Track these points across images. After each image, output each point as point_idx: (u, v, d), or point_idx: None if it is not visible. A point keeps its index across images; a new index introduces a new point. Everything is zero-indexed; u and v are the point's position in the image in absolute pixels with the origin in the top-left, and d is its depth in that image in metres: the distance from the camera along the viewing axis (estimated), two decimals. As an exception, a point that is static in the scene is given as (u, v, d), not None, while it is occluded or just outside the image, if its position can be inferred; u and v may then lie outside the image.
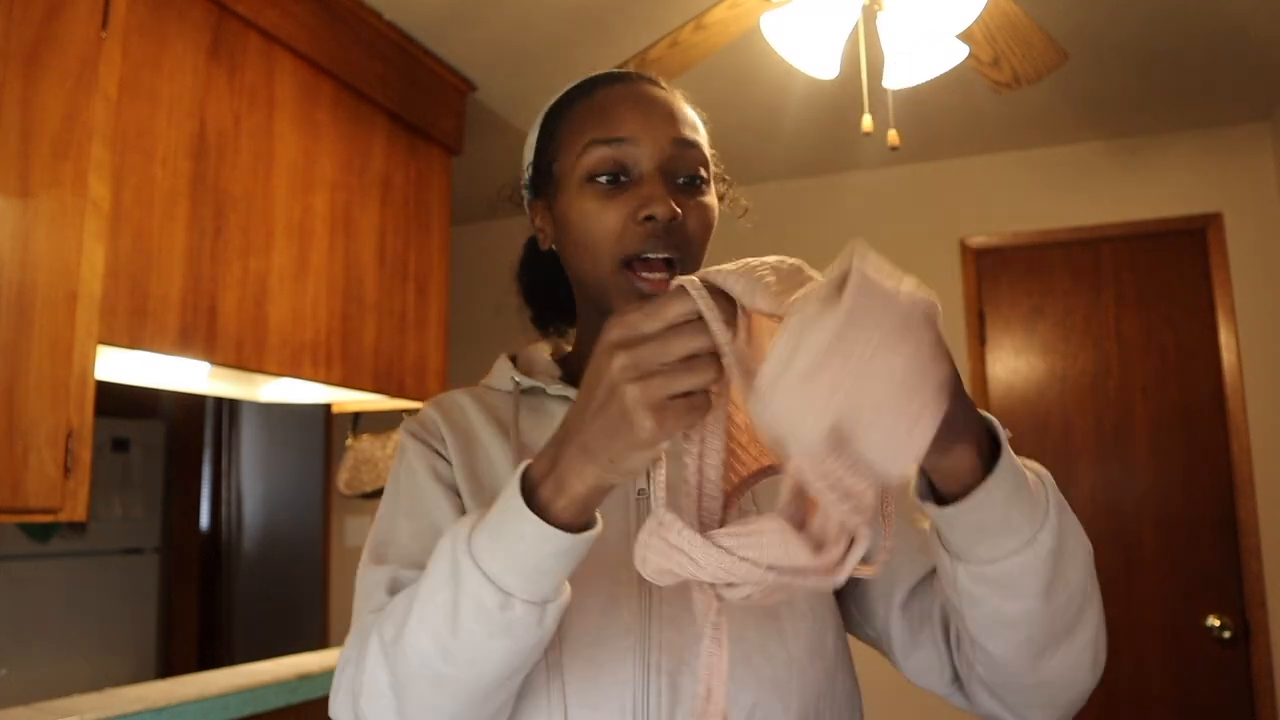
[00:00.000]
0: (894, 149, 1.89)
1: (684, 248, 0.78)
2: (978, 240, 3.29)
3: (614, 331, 0.53)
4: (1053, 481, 0.63)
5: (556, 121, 0.86)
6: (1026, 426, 3.17)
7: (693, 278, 0.53)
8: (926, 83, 1.83)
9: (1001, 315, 3.25)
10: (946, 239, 3.32)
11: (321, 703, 2.11)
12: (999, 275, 3.27)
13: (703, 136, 0.84)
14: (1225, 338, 2.99)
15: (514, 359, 0.90)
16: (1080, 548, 0.65)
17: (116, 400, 3.25)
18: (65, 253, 1.58)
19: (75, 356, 1.59)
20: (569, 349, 0.95)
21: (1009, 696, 0.72)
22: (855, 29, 1.80)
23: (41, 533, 3.52)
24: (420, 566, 0.70)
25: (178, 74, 1.90)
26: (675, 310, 0.52)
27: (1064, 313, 3.19)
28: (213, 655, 4.23)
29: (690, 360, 0.51)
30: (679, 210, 0.76)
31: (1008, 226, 3.27)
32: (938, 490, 0.61)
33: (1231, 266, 3.01)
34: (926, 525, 0.79)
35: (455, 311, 2.87)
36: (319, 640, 3.69)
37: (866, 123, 1.91)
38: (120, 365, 1.91)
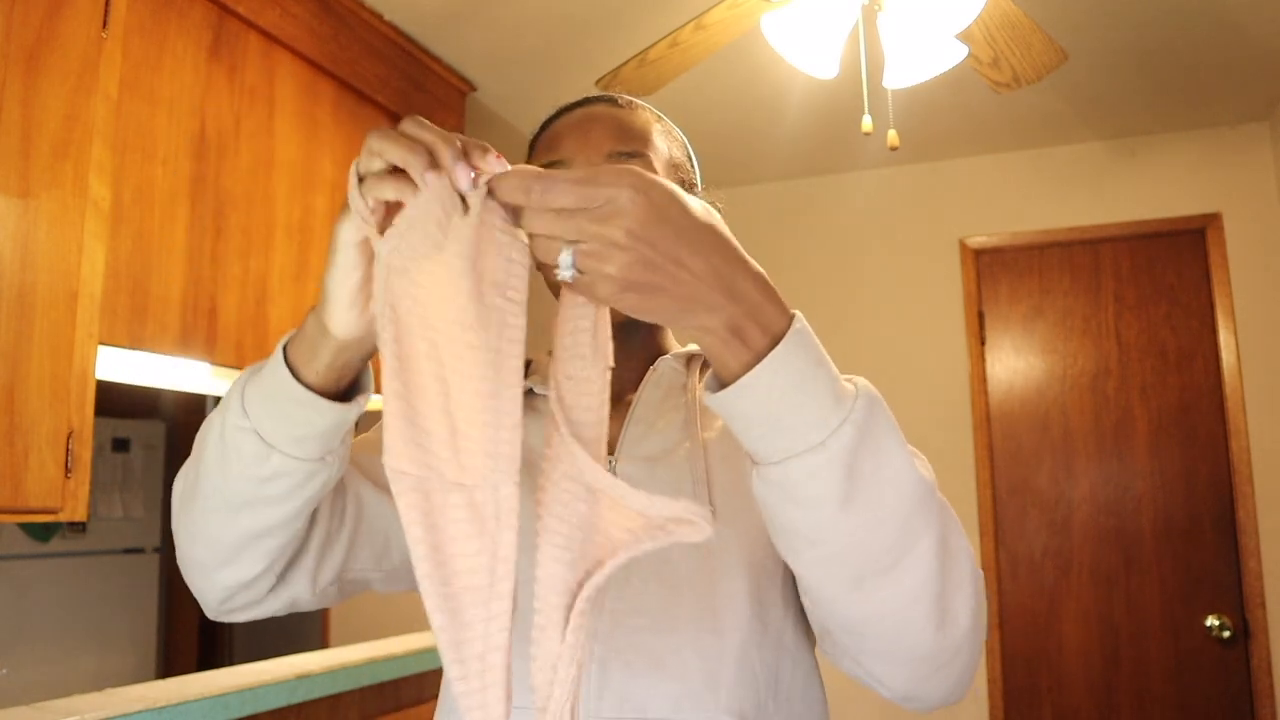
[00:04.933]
0: (894, 149, 1.89)
1: None
2: (978, 240, 3.29)
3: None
4: (879, 402, 0.58)
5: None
6: (1026, 426, 3.18)
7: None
8: (926, 83, 1.83)
9: (1001, 315, 3.25)
10: (946, 239, 3.32)
11: (322, 703, 2.11)
12: (999, 275, 3.27)
13: (656, 147, 0.86)
14: (1224, 338, 2.99)
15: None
16: (905, 475, 0.59)
17: (116, 400, 3.25)
18: (65, 253, 1.59)
19: (75, 356, 1.59)
20: None
21: (842, 638, 0.67)
22: (855, 29, 1.80)
23: (42, 533, 3.52)
24: (371, 479, 0.82)
25: (178, 74, 1.90)
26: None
27: (1063, 313, 3.19)
28: (213, 655, 4.23)
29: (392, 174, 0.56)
30: None
31: (1008, 226, 3.27)
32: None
33: (1231, 267, 3.01)
34: None
35: (455, 311, 2.87)
36: (319, 640, 3.69)
37: (866, 123, 1.91)
38: (120, 365, 1.91)
